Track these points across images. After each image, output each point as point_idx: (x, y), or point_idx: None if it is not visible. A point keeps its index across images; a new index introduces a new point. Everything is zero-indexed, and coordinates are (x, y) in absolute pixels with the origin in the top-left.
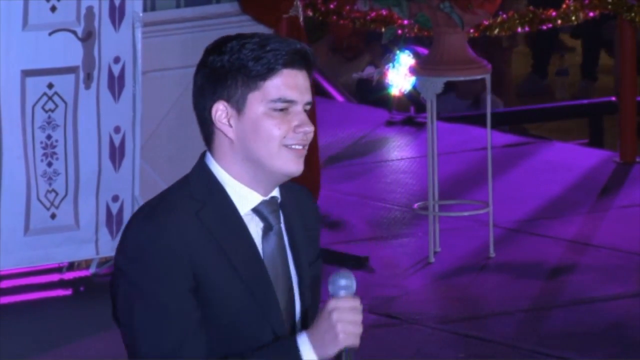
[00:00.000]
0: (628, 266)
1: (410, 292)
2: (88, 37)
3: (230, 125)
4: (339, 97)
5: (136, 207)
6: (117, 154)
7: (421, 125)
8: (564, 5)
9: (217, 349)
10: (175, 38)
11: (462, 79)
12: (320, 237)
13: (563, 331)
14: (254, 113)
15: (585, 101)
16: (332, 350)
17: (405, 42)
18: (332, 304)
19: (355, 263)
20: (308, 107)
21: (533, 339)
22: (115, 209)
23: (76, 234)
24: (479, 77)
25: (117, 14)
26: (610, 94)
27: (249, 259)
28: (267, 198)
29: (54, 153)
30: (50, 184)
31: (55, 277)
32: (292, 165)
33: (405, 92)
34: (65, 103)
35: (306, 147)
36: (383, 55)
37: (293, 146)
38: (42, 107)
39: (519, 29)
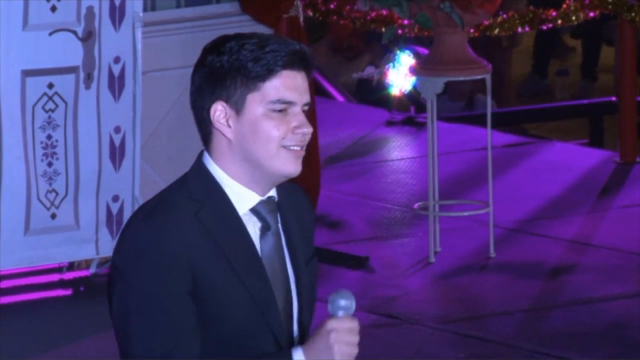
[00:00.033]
0: (628, 266)
1: (410, 292)
2: (88, 37)
3: (229, 126)
4: (339, 97)
5: (136, 207)
6: (117, 154)
7: (421, 125)
8: (564, 5)
9: (216, 350)
10: (175, 38)
11: (462, 78)
12: (321, 237)
13: (563, 331)
14: (252, 114)
15: (585, 101)
16: None
17: (405, 42)
18: (330, 324)
19: (355, 263)
20: (306, 108)
21: (533, 339)
22: (116, 209)
23: (76, 234)
24: (479, 77)
25: (117, 14)
26: (610, 94)
27: (247, 259)
28: (264, 198)
29: (54, 153)
30: (50, 184)
31: (55, 277)
32: (291, 166)
33: (405, 92)
34: (66, 103)
35: (304, 148)
36: (383, 55)
37: (292, 147)
38: (43, 107)
39: (519, 29)
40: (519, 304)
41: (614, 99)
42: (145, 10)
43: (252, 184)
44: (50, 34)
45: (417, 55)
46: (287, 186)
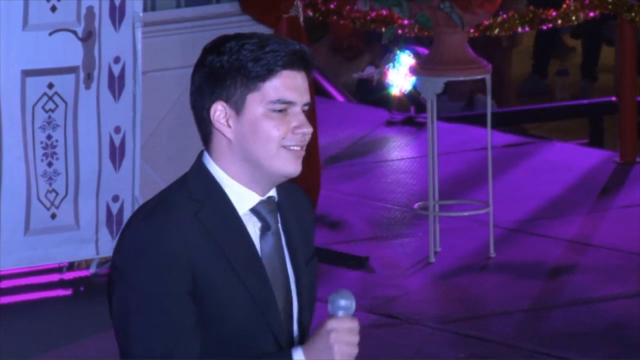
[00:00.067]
0: (628, 266)
1: (410, 292)
2: (88, 37)
3: (229, 126)
4: (339, 97)
5: (136, 207)
6: (117, 154)
7: (421, 125)
8: (564, 5)
9: (216, 350)
10: (175, 38)
11: (462, 78)
12: (321, 237)
13: (563, 331)
14: (252, 114)
15: (585, 101)
16: None
17: (405, 42)
18: (330, 324)
19: (355, 263)
20: (306, 108)
21: (533, 339)
22: (116, 209)
23: (76, 234)
24: (479, 77)
25: (117, 14)
26: (610, 94)
27: (247, 259)
28: (264, 198)
29: (54, 153)
30: (50, 184)
31: (55, 277)
32: (291, 166)
33: (405, 92)
34: (66, 103)
35: (304, 148)
36: (383, 55)
37: (292, 147)
38: (43, 107)
39: (519, 29)
40: (519, 304)
41: (614, 99)
42: (145, 10)
43: (252, 184)
44: (50, 34)
45: (417, 55)
46: (286, 186)
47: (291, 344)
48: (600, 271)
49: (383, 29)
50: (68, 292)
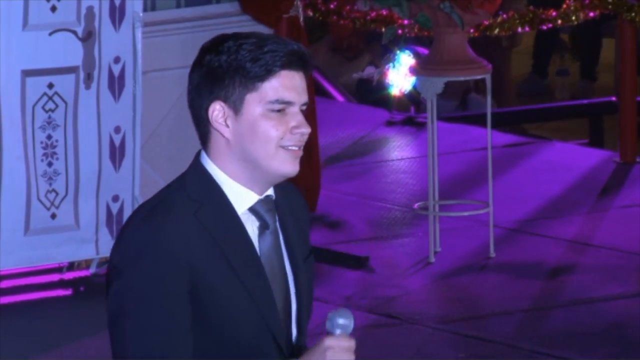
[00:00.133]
0: (628, 266)
1: (410, 292)
2: (88, 37)
3: (227, 126)
4: (339, 97)
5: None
6: (117, 154)
7: (421, 125)
8: (564, 5)
9: (214, 349)
10: (175, 38)
11: (462, 78)
12: (321, 237)
13: (563, 331)
14: (251, 114)
15: (585, 101)
16: None
17: (405, 42)
18: (327, 342)
19: (355, 263)
20: (305, 108)
21: (533, 339)
22: (116, 209)
23: (76, 234)
24: (479, 77)
25: (117, 14)
26: (611, 94)
27: (247, 258)
28: (262, 197)
29: (54, 153)
30: (50, 184)
31: (55, 277)
32: (289, 166)
33: (405, 92)
34: (66, 103)
35: (302, 148)
36: (383, 55)
37: (290, 147)
38: (43, 107)
39: (519, 29)
40: (519, 304)
41: (614, 99)
42: (145, 10)
43: (250, 183)
44: (50, 34)
45: (417, 55)
46: (283, 185)
47: (289, 343)
48: (600, 271)
49: (383, 29)
50: (68, 292)
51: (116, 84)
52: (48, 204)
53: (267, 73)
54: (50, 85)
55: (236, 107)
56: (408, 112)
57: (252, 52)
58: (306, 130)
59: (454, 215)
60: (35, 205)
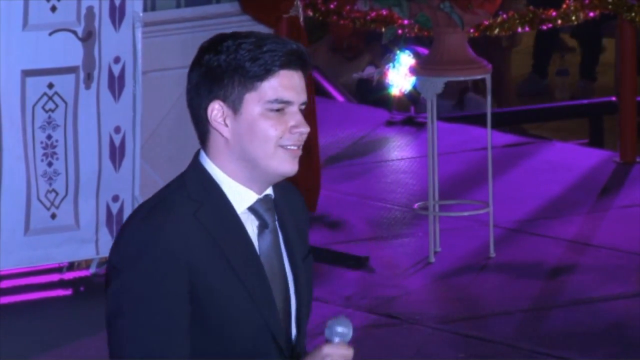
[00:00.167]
0: (628, 266)
1: (410, 292)
2: (88, 37)
3: (226, 125)
4: (339, 97)
5: None
6: (117, 154)
7: (421, 125)
8: (564, 5)
9: (214, 349)
10: (175, 38)
11: (462, 78)
12: (321, 237)
13: (563, 331)
14: (250, 113)
15: (585, 101)
16: None
17: (405, 42)
18: (326, 349)
19: (355, 263)
20: (303, 107)
21: (533, 339)
22: (116, 209)
23: (76, 234)
24: (479, 77)
25: (117, 14)
26: (611, 94)
27: (246, 258)
28: (262, 196)
29: (54, 153)
30: (50, 184)
31: (55, 277)
32: (288, 165)
33: (405, 92)
34: (66, 103)
35: (301, 148)
36: (383, 55)
37: (289, 147)
38: (43, 107)
39: (519, 29)
40: (519, 304)
41: (614, 99)
42: (145, 10)
43: (250, 183)
44: (50, 34)
45: (417, 55)
46: (282, 185)
47: (289, 342)
48: (600, 271)
49: (383, 29)
50: (68, 292)
51: (116, 84)
52: (48, 204)
53: (266, 73)
54: (50, 85)
55: (235, 107)
56: (408, 112)
57: (251, 51)
58: (305, 129)
59: (454, 215)
60: (35, 205)
